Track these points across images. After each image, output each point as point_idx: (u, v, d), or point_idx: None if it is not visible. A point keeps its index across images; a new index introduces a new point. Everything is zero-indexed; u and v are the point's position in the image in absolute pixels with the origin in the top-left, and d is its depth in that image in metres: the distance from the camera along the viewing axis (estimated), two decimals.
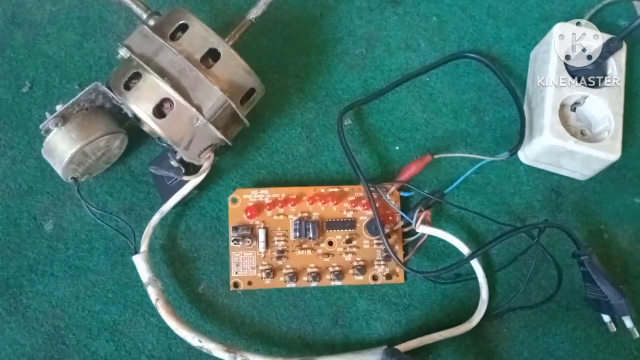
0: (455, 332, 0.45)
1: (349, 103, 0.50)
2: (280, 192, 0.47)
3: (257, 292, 0.47)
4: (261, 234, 0.46)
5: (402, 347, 0.44)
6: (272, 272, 0.46)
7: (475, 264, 0.46)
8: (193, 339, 0.42)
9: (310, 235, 0.46)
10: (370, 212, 0.47)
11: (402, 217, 0.47)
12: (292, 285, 0.46)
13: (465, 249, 0.45)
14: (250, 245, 0.46)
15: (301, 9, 0.53)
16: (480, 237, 0.48)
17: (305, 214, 0.47)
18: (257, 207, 0.47)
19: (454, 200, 0.49)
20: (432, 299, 0.47)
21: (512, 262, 0.47)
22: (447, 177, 0.49)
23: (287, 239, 0.47)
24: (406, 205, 0.48)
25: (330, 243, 0.47)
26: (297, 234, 0.46)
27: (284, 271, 0.46)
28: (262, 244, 0.46)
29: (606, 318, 0.45)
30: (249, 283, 0.46)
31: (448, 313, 0.47)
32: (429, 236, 0.47)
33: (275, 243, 0.47)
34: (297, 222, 0.46)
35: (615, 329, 0.45)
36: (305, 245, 0.47)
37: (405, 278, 0.47)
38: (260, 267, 0.46)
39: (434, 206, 0.48)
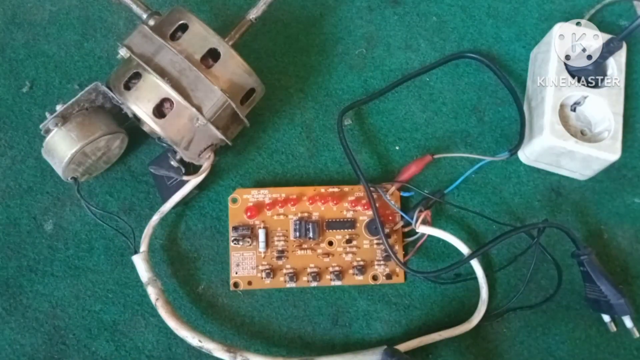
0: (455, 332, 0.45)
1: (349, 103, 0.50)
2: (280, 192, 0.47)
3: (257, 292, 0.47)
4: (261, 234, 0.46)
5: (402, 347, 0.44)
6: (272, 272, 0.46)
7: (475, 264, 0.46)
8: (193, 339, 0.42)
9: (310, 235, 0.46)
10: (370, 212, 0.47)
11: (402, 217, 0.47)
12: (292, 285, 0.46)
13: (465, 249, 0.45)
14: (250, 245, 0.46)
15: (301, 9, 0.53)
16: (480, 237, 0.48)
17: (305, 214, 0.47)
18: (257, 207, 0.47)
19: (454, 200, 0.49)
20: (432, 299, 0.47)
21: (512, 262, 0.47)
22: (447, 177, 0.49)
23: (287, 239, 0.47)
24: (406, 205, 0.48)
25: (330, 243, 0.47)
26: (297, 234, 0.46)
27: (284, 271, 0.46)
28: (262, 244, 0.46)
29: (606, 318, 0.45)
30: (249, 283, 0.46)
31: (448, 313, 0.47)
32: (429, 236, 0.47)
33: (275, 243, 0.47)
34: (297, 222, 0.46)
35: (615, 329, 0.45)
36: (305, 245, 0.47)
37: (405, 278, 0.47)
38: (260, 267, 0.46)
39: (434, 206, 0.48)
